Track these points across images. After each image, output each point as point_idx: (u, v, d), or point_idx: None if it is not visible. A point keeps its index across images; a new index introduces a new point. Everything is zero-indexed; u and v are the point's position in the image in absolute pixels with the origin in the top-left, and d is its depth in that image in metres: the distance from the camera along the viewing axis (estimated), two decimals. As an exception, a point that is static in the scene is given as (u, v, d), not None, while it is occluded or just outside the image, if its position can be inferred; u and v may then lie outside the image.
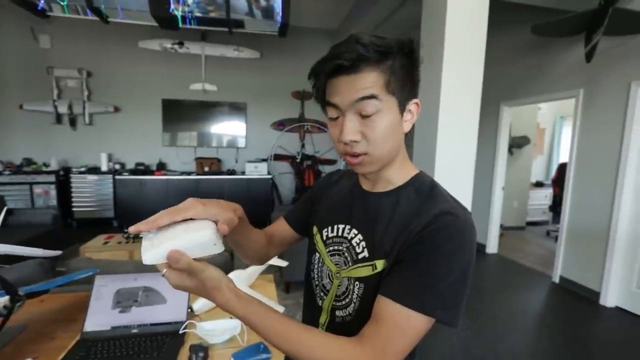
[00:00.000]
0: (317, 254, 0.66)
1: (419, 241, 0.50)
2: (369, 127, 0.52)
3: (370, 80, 0.50)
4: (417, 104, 0.57)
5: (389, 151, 0.55)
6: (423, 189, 0.58)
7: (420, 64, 0.56)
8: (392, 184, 0.59)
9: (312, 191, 0.76)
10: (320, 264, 0.66)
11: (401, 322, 0.48)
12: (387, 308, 0.49)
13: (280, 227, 0.76)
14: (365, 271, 0.56)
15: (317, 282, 0.66)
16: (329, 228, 0.65)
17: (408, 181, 0.59)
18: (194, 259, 0.43)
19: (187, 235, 0.43)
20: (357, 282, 0.57)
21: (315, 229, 0.69)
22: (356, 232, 0.60)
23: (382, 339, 0.49)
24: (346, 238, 0.61)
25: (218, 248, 0.45)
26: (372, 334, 0.50)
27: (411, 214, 0.54)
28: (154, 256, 0.42)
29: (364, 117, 0.51)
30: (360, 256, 0.58)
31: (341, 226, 0.63)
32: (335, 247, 0.63)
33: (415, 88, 0.56)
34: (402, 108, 0.54)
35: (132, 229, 0.42)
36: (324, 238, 0.65)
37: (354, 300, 0.58)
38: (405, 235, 0.52)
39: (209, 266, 0.46)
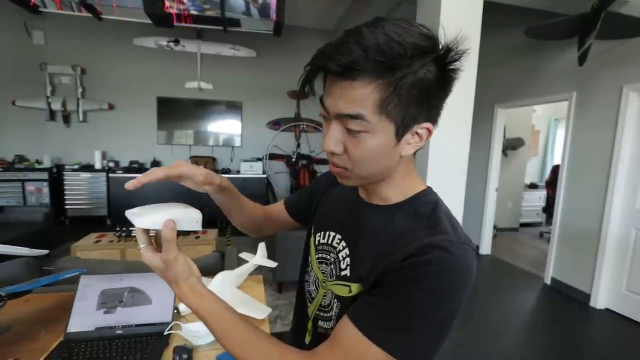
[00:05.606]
0: (310, 258, 0.65)
1: (400, 270, 0.44)
2: (352, 144, 0.45)
3: (362, 95, 0.42)
4: (428, 129, 0.47)
5: (373, 173, 0.49)
6: (423, 210, 0.50)
7: (455, 78, 0.46)
8: (388, 201, 0.53)
9: (315, 185, 0.75)
10: (310, 269, 0.64)
11: (358, 352, 0.44)
12: (347, 331, 0.45)
13: (280, 209, 0.78)
14: (342, 290, 0.53)
15: (307, 287, 0.65)
16: (322, 234, 0.63)
17: (407, 199, 0.52)
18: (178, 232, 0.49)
19: (178, 210, 0.50)
20: (336, 300, 0.55)
21: (312, 230, 0.67)
22: (345, 245, 0.56)
23: None
24: (335, 249, 0.58)
25: (199, 226, 0.52)
26: (325, 354, 0.46)
27: (402, 237, 0.47)
28: (151, 221, 0.47)
29: (350, 130, 0.45)
30: (343, 273, 0.54)
31: (332, 234, 0.60)
32: (324, 256, 0.60)
33: (433, 111, 0.46)
34: (401, 132, 0.45)
35: (130, 184, 0.46)
36: (316, 243, 0.63)
37: (333, 318, 0.55)
38: (388, 262, 0.46)
39: (180, 258, 0.48)
